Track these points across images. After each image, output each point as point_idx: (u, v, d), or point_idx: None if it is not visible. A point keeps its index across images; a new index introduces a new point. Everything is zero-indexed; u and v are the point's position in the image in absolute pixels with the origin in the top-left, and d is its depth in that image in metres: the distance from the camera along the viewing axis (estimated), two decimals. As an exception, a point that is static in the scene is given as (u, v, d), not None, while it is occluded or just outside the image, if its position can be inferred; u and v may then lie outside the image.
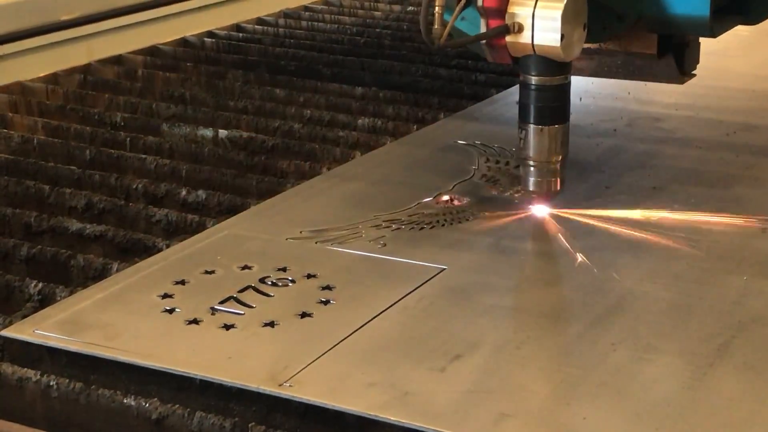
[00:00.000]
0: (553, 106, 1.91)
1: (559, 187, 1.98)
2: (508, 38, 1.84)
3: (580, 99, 2.69)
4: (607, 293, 1.76)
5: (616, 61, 2.08)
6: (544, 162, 1.94)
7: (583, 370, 1.54)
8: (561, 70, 1.89)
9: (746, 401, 1.47)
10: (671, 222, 2.03)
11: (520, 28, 1.82)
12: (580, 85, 2.72)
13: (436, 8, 1.79)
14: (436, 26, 1.79)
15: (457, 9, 1.84)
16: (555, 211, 2.04)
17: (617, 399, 1.47)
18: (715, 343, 1.60)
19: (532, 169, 1.95)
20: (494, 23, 1.84)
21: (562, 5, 1.80)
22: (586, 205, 2.08)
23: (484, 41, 1.87)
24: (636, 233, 1.98)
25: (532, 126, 1.92)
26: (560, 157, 1.94)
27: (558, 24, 1.80)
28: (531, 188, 1.97)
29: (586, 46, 1.97)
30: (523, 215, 2.03)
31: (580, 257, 1.88)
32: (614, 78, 2.14)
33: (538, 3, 1.81)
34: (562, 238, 1.95)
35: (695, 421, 1.43)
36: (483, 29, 1.87)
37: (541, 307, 1.73)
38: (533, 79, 1.89)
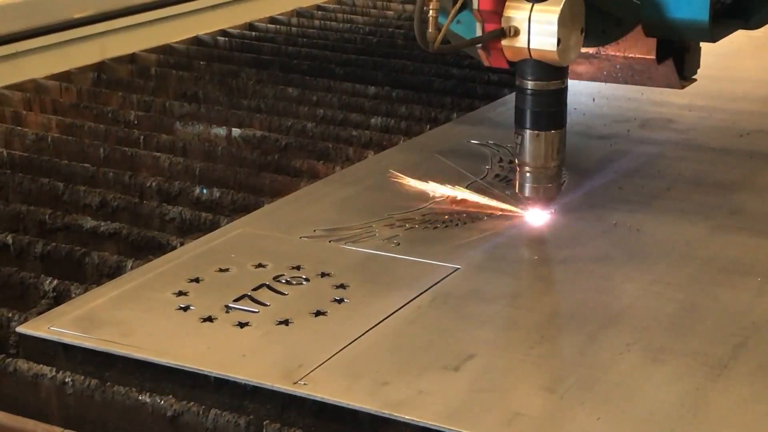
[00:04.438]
0: (549, 111, 1.89)
1: (555, 194, 1.97)
2: (504, 42, 1.82)
3: (594, 100, 2.70)
4: (620, 294, 1.76)
5: (616, 65, 2.07)
6: (540, 168, 1.92)
7: (597, 371, 1.54)
8: (558, 74, 1.87)
9: (760, 403, 1.47)
10: (684, 223, 2.02)
11: (516, 32, 1.80)
12: (592, 85, 2.71)
13: (431, 11, 1.76)
14: (430, 30, 1.76)
15: (453, 12, 1.83)
16: (568, 212, 2.04)
17: (631, 399, 1.47)
18: (729, 345, 1.60)
19: (528, 174, 1.94)
20: (490, 27, 1.82)
21: (558, 9, 1.78)
22: (599, 205, 2.09)
23: (479, 45, 1.86)
24: (649, 235, 1.98)
25: (528, 131, 1.90)
26: (557, 163, 1.93)
27: (554, 28, 1.78)
28: (527, 194, 1.96)
29: (585, 50, 1.95)
30: (536, 215, 2.02)
31: (593, 257, 1.88)
32: (614, 83, 2.13)
33: (535, 6, 1.79)
34: (576, 239, 1.95)
35: (709, 422, 1.43)
36: (479, 33, 1.85)
37: (554, 308, 1.73)
38: (529, 84, 1.86)
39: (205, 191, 2.21)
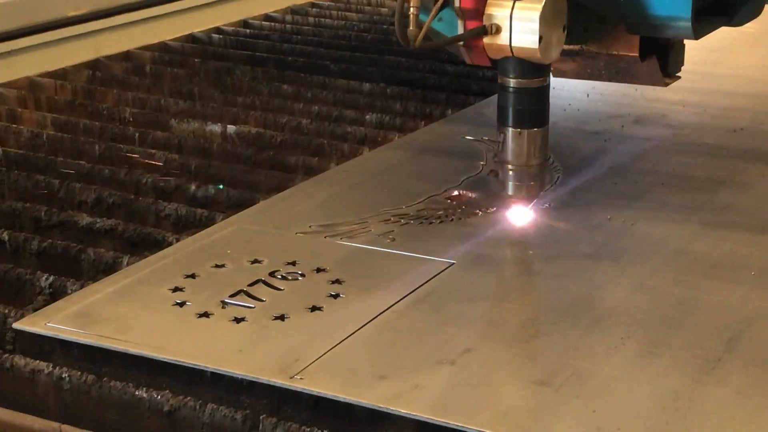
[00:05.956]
0: (531, 109, 1.88)
1: (538, 192, 1.96)
2: (486, 40, 1.81)
3: (588, 95, 2.70)
4: (614, 289, 1.77)
5: (599, 63, 2.05)
6: (522, 166, 1.91)
7: (592, 364, 1.55)
8: (540, 72, 1.85)
9: (754, 395, 1.47)
10: (679, 218, 2.03)
11: (498, 30, 1.79)
12: (587, 81, 2.72)
13: (411, 9, 1.75)
14: (411, 27, 1.76)
15: (434, 10, 1.81)
16: (564, 206, 2.04)
17: (626, 393, 1.48)
18: (723, 338, 1.61)
19: (510, 173, 1.93)
20: (471, 24, 1.81)
21: (540, 6, 1.77)
22: (593, 201, 2.09)
23: (461, 43, 1.85)
24: (643, 228, 1.99)
25: (510, 129, 1.89)
26: (539, 161, 1.92)
27: (536, 25, 1.77)
28: (510, 192, 1.95)
29: (568, 47, 1.95)
30: (531, 210, 2.03)
31: (588, 252, 1.89)
32: (598, 80, 2.12)
33: (516, 4, 1.78)
34: (571, 234, 1.96)
35: (703, 414, 1.43)
36: (460, 30, 1.84)
37: (549, 301, 1.74)
38: (511, 82, 1.85)
39: (221, 186, 2.22)
